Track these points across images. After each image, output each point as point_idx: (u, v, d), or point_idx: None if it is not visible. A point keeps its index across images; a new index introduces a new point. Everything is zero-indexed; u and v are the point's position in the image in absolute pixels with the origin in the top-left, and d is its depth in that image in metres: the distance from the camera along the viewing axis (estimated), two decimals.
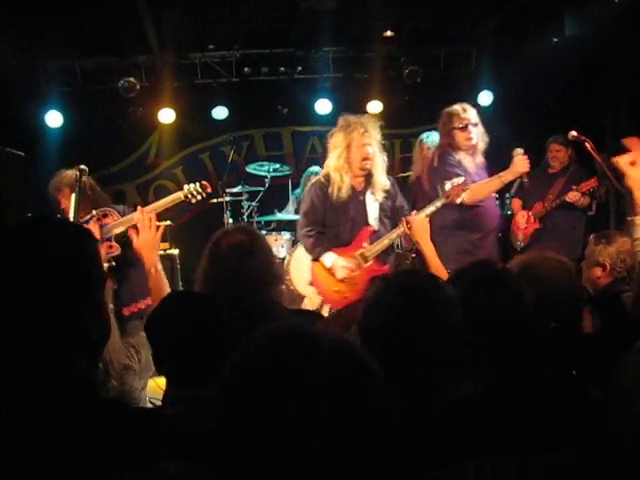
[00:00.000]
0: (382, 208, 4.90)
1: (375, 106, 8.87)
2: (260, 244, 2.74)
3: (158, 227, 3.01)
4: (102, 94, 8.54)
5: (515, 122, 8.00)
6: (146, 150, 9.53)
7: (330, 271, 4.79)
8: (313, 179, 5.10)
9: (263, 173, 8.32)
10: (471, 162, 5.04)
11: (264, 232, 8.01)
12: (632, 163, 2.79)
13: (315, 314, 4.05)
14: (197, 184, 3.94)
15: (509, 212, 6.85)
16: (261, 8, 7.26)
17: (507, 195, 7.03)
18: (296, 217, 8.15)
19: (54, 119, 8.41)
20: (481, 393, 1.69)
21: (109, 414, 1.31)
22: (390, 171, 6.87)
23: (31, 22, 6.67)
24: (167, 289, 2.90)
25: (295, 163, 9.49)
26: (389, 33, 8.23)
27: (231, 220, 7.93)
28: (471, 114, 5.07)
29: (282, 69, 8.68)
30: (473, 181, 4.89)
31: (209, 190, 3.90)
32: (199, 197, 3.91)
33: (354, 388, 1.03)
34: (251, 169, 8.43)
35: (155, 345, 2.03)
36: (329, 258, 4.80)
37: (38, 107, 8.36)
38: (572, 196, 5.95)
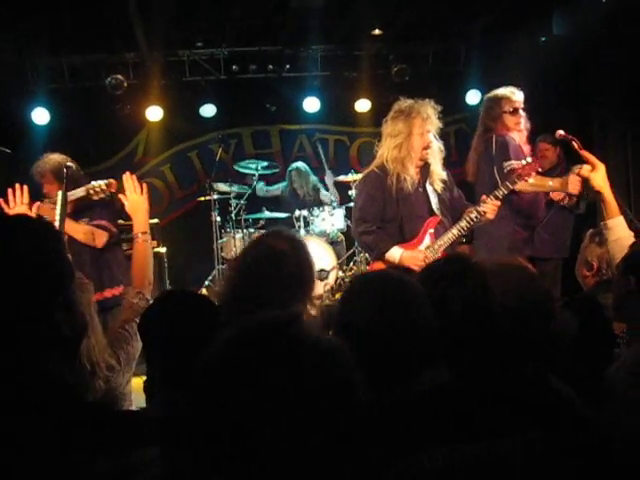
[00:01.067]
0: (441, 199, 4.54)
1: (363, 104, 8.88)
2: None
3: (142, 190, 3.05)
4: (89, 91, 8.49)
5: None
6: (134, 148, 9.49)
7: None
8: (369, 171, 4.62)
9: (251, 171, 8.31)
10: (525, 147, 4.92)
11: (252, 230, 8.00)
12: (592, 169, 3.03)
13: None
14: (103, 182, 3.93)
15: None
16: (250, 6, 7.24)
17: None
18: (283, 215, 8.16)
19: (41, 116, 8.36)
20: (449, 383, 1.73)
21: (80, 409, 1.30)
22: None
23: (18, 19, 6.62)
24: (151, 262, 2.86)
25: (283, 161, 9.48)
26: (377, 31, 8.23)
27: (219, 219, 7.91)
28: (520, 97, 4.94)
29: (270, 67, 8.66)
30: None
31: (113, 189, 3.87)
32: (102, 195, 3.89)
33: (334, 381, 1.04)
34: (239, 167, 8.42)
35: (148, 344, 2.00)
36: (396, 253, 4.37)
37: (25, 104, 8.32)
38: (555, 195, 5.94)
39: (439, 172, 4.52)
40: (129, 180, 3.07)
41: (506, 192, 4.35)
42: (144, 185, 3.08)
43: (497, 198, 4.33)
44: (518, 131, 4.94)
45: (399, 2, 7.25)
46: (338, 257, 7.57)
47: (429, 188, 4.52)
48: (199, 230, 8.01)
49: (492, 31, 7.89)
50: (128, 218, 3.10)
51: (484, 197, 4.37)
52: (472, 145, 5.26)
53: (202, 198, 8.07)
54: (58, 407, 1.25)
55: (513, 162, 4.60)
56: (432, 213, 4.50)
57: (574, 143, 4.49)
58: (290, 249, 2.53)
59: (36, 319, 1.33)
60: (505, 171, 4.64)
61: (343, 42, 8.51)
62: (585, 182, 3.02)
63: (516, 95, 4.96)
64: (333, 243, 7.76)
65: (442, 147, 4.56)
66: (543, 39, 7.45)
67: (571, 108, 7.56)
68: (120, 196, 3.10)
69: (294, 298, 2.49)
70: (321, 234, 7.76)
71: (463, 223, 4.36)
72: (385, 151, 4.49)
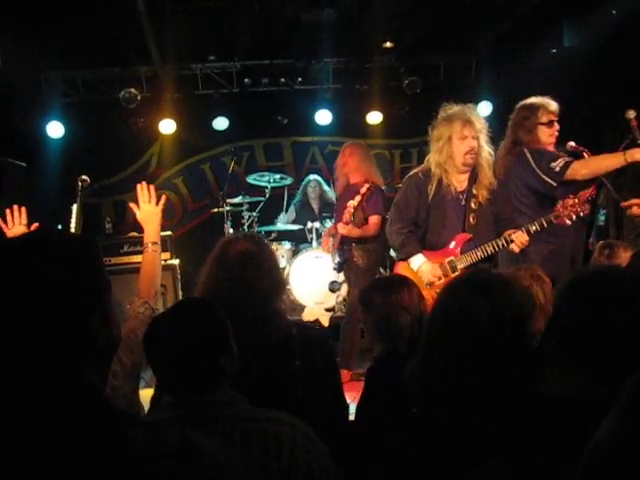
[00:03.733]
0: (481, 213, 4.43)
1: (375, 117, 8.91)
2: (267, 252, 2.70)
3: (159, 200, 3.05)
4: (103, 105, 8.58)
5: None
6: (147, 160, 9.56)
7: (415, 274, 4.31)
8: (413, 173, 4.58)
9: (263, 183, 8.33)
10: None
11: None
12: None
13: (316, 328, 3.68)
14: None
15: None
16: (261, 19, 7.29)
17: None
18: (295, 227, 8.17)
19: (55, 130, 8.44)
20: None
21: (128, 426, 1.29)
22: (390, 181, 6.85)
23: (33, 33, 6.70)
24: (159, 272, 2.85)
25: (296, 173, 9.51)
26: (389, 44, 8.26)
27: (231, 230, 7.93)
28: (556, 107, 4.65)
29: (282, 80, 8.72)
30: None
31: None
32: None
33: None
34: (251, 179, 8.44)
35: (155, 352, 1.98)
36: (417, 261, 4.39)
37: (40, 118, 8.40)
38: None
39: (487, 179, 4.43)
40: (143, 189, 3.08)
41: (539, 229, 4.19)
42: (163, 197, 3.08)
43: (528, 233, 4.20)
44: (549, 145, 4.62)
45: (410, 15, 7.28)
46: None
47: (471, 200, 4.42)
48: (212, 242, 7.89)
49: (503, 43, 7.91)
50: (142, 231, 3.09)
51: (523, 228, 4.23)
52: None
53: (215, 210, 8.09)
54: (99, 422, 1.25)
55: (563, 157, 4.36)
56: (464, 228, 4.43)
57: (585, 154, 4.51)
58: (256, 248, 2.62)
59: (72, 332, 1.32)
60: (558, 169, 4.35)
61: (354, 55, 8.55)
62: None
63: (553, 105, 4.65)
64: None
65: (492, 153, 4.47)
66: (554, 51, 7.46)
67: (582, 119, 7.55)
68: (132, 205, 3.10)
69: (272, 297, 2.57)
70: None
71: (489, 248, 4.27)
72: (431, 155, 4.50)
